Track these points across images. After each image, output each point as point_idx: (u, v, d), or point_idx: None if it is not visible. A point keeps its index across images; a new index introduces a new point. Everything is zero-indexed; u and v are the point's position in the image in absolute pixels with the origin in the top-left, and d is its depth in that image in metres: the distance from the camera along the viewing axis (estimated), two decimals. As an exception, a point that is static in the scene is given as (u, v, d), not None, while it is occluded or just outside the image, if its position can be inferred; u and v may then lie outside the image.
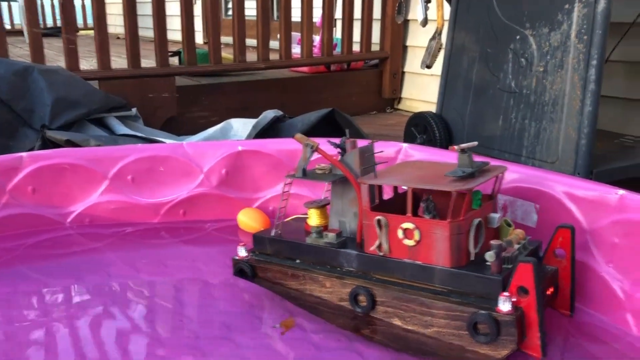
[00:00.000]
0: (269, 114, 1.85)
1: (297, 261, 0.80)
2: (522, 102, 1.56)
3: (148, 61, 2.11)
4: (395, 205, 0.76)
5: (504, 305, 0.63)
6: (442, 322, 0.68)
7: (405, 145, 1.05)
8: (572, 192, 0.84)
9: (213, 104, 2.24)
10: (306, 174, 0.80)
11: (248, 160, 1.13)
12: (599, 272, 0.79)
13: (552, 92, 1.48)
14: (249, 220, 1.08)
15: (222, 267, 0.96)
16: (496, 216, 0.72)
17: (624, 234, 0.77)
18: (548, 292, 0.74)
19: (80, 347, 0.74)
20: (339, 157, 0.79)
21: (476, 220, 0.69)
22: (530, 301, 0.63)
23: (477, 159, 0.74)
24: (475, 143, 0.75)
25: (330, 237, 0.77)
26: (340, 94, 2.53)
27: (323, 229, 0.80)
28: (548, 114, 1.49)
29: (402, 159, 1.04)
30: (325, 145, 0.80)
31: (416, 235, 0.69)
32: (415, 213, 0.71)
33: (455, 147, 0.72)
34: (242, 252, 0.84)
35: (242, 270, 0.84)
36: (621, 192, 0.79)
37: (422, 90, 2.61)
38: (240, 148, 1.12)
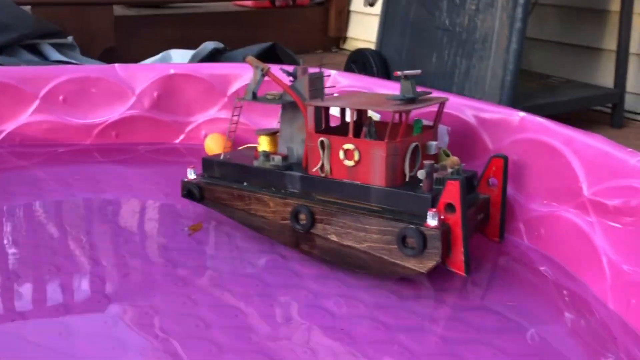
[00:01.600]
0: (209, 45, 1.84)
1: (245, 184, 0.82)
2: (455, 39, 1.61)
3: (85, -12, 2.05)
4: (340, 131, 0.78)
5: (431, 220, 0.66)
6: (375, 237, 0.71)
7: (334, 72, 1.09)
8: (479, 115, 0.90)
9: (153, 36, 2.20)
10: (256, 98, 0.82)
11: (180, 84, 1.14)
12: (499, 187, 0.86)
13: (483, 30, 1.54)
14: (215, 145, 1.09)
15: (155, 185, 0.99)
16: (434, 144, 0.76)
17: (523, 152, 0.84)
18: (478, 218, 0.78)
19: (8, 258, 0.77)
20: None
21: (413, 144, 0.73)
22: (456, 218, 0.67)
23: (420, 89, 0.77)
24: (419, 71, 0.77)
25: (277, 160, 0.80)
26: (285, 31, 2.53)
27: (271, 153, 0.82)
28: (478, 52, 1.55)
29: (330, 85, 1.08)
30: (277, 72, 0.82)
31: (356, 155, 0.72)
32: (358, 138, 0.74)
33: (398, 72, 0.75)
34: (191, 175, 0.86)
35: (190, 191, 0.85)
36: (522, 114, 0.86)
37: (367, 30, 2.63)
38: (172, 71, 1.14)
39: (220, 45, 1.92)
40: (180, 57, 1.84)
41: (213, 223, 0.87)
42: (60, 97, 1.11)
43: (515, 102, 1.49)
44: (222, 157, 0.85)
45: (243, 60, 0.87)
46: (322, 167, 0.75)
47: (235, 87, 1.14)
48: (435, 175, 0.70)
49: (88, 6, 1.96)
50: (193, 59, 1.78)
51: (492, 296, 0.73)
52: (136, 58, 2.05)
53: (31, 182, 1.01)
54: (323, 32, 2.70)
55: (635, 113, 1.77)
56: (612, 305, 0.68)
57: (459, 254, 0.67)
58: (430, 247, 0.67)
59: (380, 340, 0.62)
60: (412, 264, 0.69)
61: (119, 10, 2.14)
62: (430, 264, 0.67)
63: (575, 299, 0.72)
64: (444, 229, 0.67)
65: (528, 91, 1.64)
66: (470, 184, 0.77)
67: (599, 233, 0.72)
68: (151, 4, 2.22)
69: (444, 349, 0.62)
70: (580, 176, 0.75)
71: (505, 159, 0.78)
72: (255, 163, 0.82)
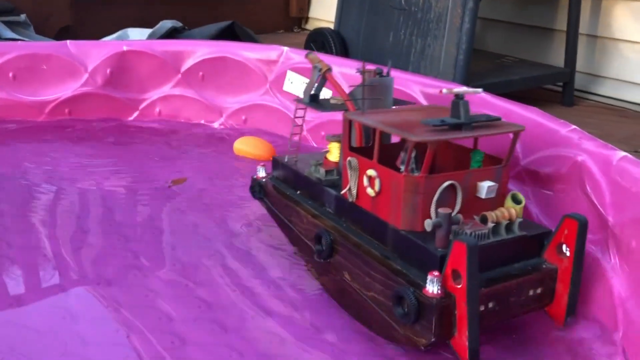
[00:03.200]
0: (166, 24, 1.83)
1: (298, 192, 0.73)
2: (410, 19, 1.64)
3: (38, -35, 2.00)
4: (390, 151, 0.63)
5: (430, 286, 0.52)
6: (378, 288, 0.59)
7: (286, 48, 1.10)
8: (425, 90, 0.93)
9: (110, 15, 2.17)
10: (316, 101, 0.71)
11: (133, 60, 1.14)
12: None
13: (437, 9, 1.57)
14: (246, 147, 1.04)
15: (110, 163, 0.99)
16: (486, 185, 0.58)
17: (465, 126, 0.87)
18: (533, 293, 0.59)
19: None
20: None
21: (447, 182, 0.56)
22: (462, 290, 0.52)
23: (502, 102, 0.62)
24: (479, 90, 0.64)
25: (321, 172, 0.69)
26: (245, 10, 2.52)
27: (324, 163, 0.71)
28: (432, 31, 1.58)
29: (283, 62, 1.10)
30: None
31: (377, 184, 0.59)
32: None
33: (445, 90, 0.59)
34: (260, 173, 0.79)
35: (252, 188, 0.80)
36: (464, 87, 0.89)
37: (329, 10, 2.63)
38: (125, 48, 1.13)
39: (178, 24, 1.91)
40: (138, 36, 1.82)
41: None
42: (10, 74, 1.10)
43: (469, 81, 1.53)
44: (286, 159, 0.75)
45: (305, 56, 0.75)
46: (349, 190, 0.63)
47: (188, 63, 1.14)
48: (454, 228, 0.54)
49: (43, -16, 1.92)
50: (150, 38, 1.77)
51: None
52: (93, 37, 2.02)
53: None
54: (285, 12, 2.70)
55: (585, 92, 1.83)
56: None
57: (464, 338, 0.53)
58: (424, 319, 0.53)
59: None
60: (410, 333, 0.55)
61: (75, -12, 2.10)
62: (423, 340, 0.54)
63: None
64: (445, 301, 0.52)
65: (482, 70, 1.68)
66: (526, 246, 0.59)
67: (533, 201, 0.76)
68: (108, -18, 2.18)
69: None
70: (518, 147, 0.79)
71: (582, 221, 0.58)
72: (306, 171, 0.71)
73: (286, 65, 1.09)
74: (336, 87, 0.69)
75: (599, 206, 0.65)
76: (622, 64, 1.72)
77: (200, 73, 1.14)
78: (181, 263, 0.72)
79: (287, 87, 1.09)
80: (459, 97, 0.58)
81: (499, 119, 0.61)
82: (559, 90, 1.78)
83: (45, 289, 0.66)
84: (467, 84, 1.52)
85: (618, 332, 0.60)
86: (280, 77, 1.10)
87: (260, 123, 1.13)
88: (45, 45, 1.13)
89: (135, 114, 1.16)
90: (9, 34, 1.72)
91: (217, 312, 0.63)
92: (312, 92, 0.71)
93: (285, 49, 1.10)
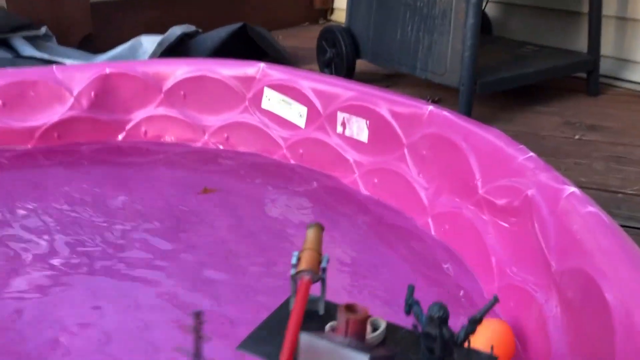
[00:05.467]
0: (176, 31, 1.84)
1: None
2: (417, 14, 1.57)
3: (55, -22, 2.05)
4: None
5: None
6: None
7: (262, 65, 1.08)
8: (393, 108, 0.89)
9: (131, 20, 2.20)
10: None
11: (117, 82, 1.15)
12: (411, 182, 0.86)
13: (441, 4, 1.50)
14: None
15: (96, 183, 1.01)
16: None
17: (430, 146, 0.83)
18: None
19: None
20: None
21: None
22: None
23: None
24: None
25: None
26: (269, 5, 2.49)
27: None
28: (438, 27, 1.51)
29: (260, 78, 1.08)
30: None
31: None
32: None
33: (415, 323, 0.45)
34: None
35: None
36: (430, 107, 0.84)
37: (351, 1, 2.58)
38: (108, 70, 1.14)
39: (190, 28, 1.91)
40: (151, 43, 1.84)
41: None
42: (0, 102, 1.13)
43: (479, 76, 1.46)
44: None
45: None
46: None
47: (169, 83, 1.14)
48: None
49: (61, -4, 1.96)
50: (160, 47, 1.78)
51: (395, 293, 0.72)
52: (115, 43, 2.06)
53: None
54: (309, 4, 2.66)
55: (614, 78, 1.71)
56: (499, 309, 0.68)
57: None
58: None
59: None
60: None
61: (94, -4, 2.14)
62: None
63: (467, 299, 0.72)
64: None
65: (496, 63, 1.60)
66: None
67: (491, 232, 0.71)
68: (125, -11, 2.21)
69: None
70: (476, 173, 0.74)
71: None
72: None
73: (263, 82, 1.07)
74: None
75: (544, 248, 0.60)
76: (650, 49, 1.60)
77: (182, 92, 1.14)
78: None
79: (265, 104, 1.07)
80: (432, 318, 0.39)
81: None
82: (585, 78, 1.67)
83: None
84: (476, 80, 1.45)
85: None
86: (259, 94, 1.08)
87: (242, 142, 1.11)
88: (32, 71, 1.15)
89: (122, 134, 1.17)
90: (29, 50, 1.77)
91: None
92: None
93: (262, 65, 1.07)
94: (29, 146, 1.16)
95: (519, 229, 0.67)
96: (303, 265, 0.39)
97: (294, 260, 0.42)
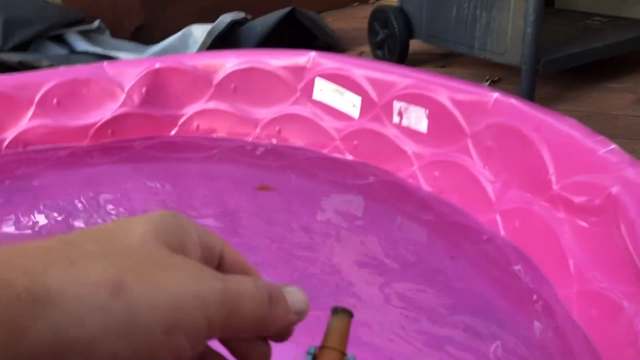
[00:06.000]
0: (226, 18, 1.81)
1: None
2: (474, -10, 1.49)
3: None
4: None
5: None
6: None
7: (313, 53, 1.03)
8: (454, 96, 0.83)
9: (183, 8, 2.20)
10: None
11: (167, 77, 1.13)
12: (476, 176, 0.80)
13: (501, -23, 1.41)
14: None
15: (150, 179, 0.99)
16: None
17: (497, 138, 0.77)
18: None
19: None
20: None
21: None
22: None
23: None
24: None
25: None
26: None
27: None
28: (497, 3, 1.42)
29: (311, 67, 1.03)
30: None
31: None
32: None
33: None
34: None
35: None
36: (496, 95, 0.78)
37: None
38: (158, 65, 1.12)
39: (240, 15, 1.88)
40: (201, 32, 1.82)
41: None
42: (54, 101, 1.13)
43: (543, 54, 1.37)
44: None
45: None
46: None
47: (219, 76, 1.11)
48: None
49: (112, -12, 1.97)
50: (209, 36, 1.76)
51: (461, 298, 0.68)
52: (168, 33, 2.06)
53: (36, 190, 1.05)
54: (360, -18, 2.59)
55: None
56: (576, 315, 0.62)
57: None
58: None
59: None
60: None
61: (144, -13, 2.14)
62: None
63: (542, 304, 0.66)
64: None
65: (561, 39, 1.50)
66: None
67: (568, 232, 0.65)
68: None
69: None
70: (549, 167, 0.68)
71: None
72: None
73: (315, 71, 1.02)
74: None
75: (633, 254, 0.54)
76: None
77: (232, 85, 1.11)
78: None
79: (316, 95, 1.03)
80: None
81: None
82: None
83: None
84: (540, 59, 1.36)
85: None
86: (310, 85, 1.04)
87: (294, 134, 1.08)
88: (84, 69, 1.15)
89: (175, 130, 1.16)
90: (83, 45, 1.78)
91: None
92: None
93: (312, 54, 1.03)
94: (84, 144, 1.16)
95: (602, 230, 0.60)
96: None
97: None
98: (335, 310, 0.29)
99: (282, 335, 0.25)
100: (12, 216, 0.95)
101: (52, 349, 0.17)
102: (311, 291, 0.62)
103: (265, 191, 0.82)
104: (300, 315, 0.25)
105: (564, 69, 1.43)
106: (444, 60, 1.71)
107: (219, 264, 0.25)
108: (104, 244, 0.20)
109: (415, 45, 1.70)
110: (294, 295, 0.25)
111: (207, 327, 0.20)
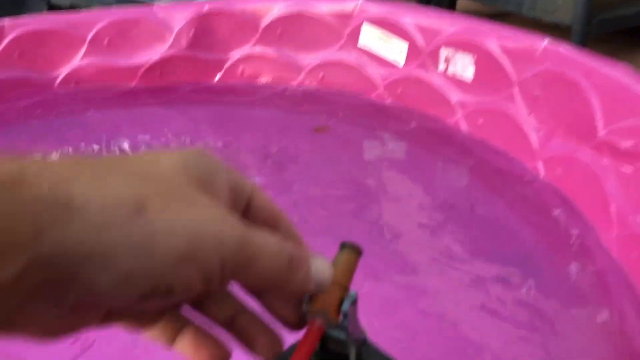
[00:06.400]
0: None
1: None
2: (525, -55, 1.45)
3: None
4: None
5: None
6: None
7: (361, 0, 1.03)
8: (503, 44, 0.82)
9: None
10: None
11: (215, 20, 1.14)
12: (521, 124, 0.80)
13: None
14: None
15: (195, 123, 1.02)
16: None
17: (545, 85, 0.77)
18: None
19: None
20: None
21: None
22: None
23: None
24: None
25: None
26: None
27: None
28: (550, -42, 1.39)
29: (358, 14, 1.03)
30: None
31: None
32: None
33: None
34: None
35: None
36: (545, 42, 0.77)
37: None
38: (206, 8, 1.14)
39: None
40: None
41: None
42: (105, 41, 1.16)
43: (596, 13, 1.33)
44: None
45: None
46: None
47: (266, 21, 1.12)
48: None
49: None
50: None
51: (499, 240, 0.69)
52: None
53: (85, 126, 1.09)
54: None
55: None
56: (616, 257, 0.63)
57: None
58: None
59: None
60: None
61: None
62: None
63: (581, 247, 0.67)
64: None
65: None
66: None
67: (611, 178, 0.65)
68: None
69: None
70: (597, 114, 0.68)
71: None
72: None
73: (361, 17, 1.03)
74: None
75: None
76: None
77: (278, 30, 1.12)
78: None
79: (362, 41, 1.03)
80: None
81: None
82: None
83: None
84: (592, 18, 1.33)
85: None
86: (357, 31, 1.04)
87: (338, 81, 1.08)
88: (134, 11, 1.17)
89: (220, 74, 1.18)
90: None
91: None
92: None
93: (360, 0, 1.03)
94: (132, 84, 1.19)
95: (647, 174, 0.60)
96: (318, 304, 0.25)
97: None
98: (344, 245, 0.28)
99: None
100: (62, 150, 0.99)
101: (70, 256, 0.17)
102: (350, 232, 0.63)
103: (320, 132, 0.83)
104: (321, 287, 0.24)
105: (616, 30, 1.40)
106: (492, 20, 1.69)
107: (247, 209, 0.24)
108: (132, 167, 0.20)
109: (462, 5, 1.67)
110: (319, 266, 0.24)
111: (219, 269, 0.20)
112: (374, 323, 0.36)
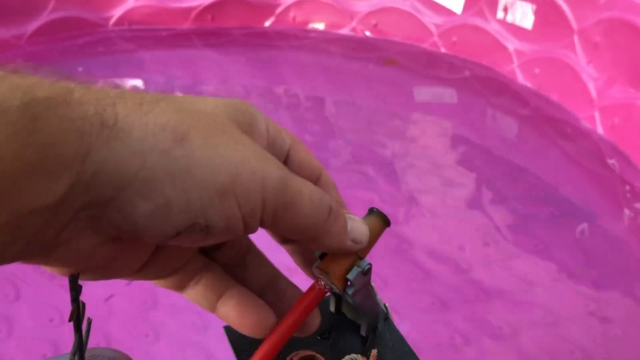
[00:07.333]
0: None
1: None
2: None
3: None
4: None
5: None
6: None
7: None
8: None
9: None
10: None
11: (269, -36, 1.15)
12: (579, 72, 0.80)
13: None
14: None
15: (246, 66, 1.04)
16: None
17: (607, 33, 0.76)
18: None
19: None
20: None
21: None
22: None
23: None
24: None
25: None
26: None
27: None
28: None
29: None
30: None
31: None
32: None
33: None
34: None
35: None
36: (611, -12, 0.76)
37: None
38: (261, -48, 1.14)
39: None
40: None
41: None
42: (160, -18, 1.17)
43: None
44: None
45: None
46: None
47: (321, -34, 1.12)
48: None
49: None
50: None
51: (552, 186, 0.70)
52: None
53: (137, 65, 1.11)
54: None
55: None
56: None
57: None
58: None
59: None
60: None
61: None
62: None
63: (634, 194, 0.67)
64: None
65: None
66: None
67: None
68: None
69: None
70: (662, 60, 0.67)
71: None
72: None
73: None
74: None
75: None
76: None
77: (332, -25, 1.12)
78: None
79: (418, -12, 1.02)
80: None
81: None
82: None
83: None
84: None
85: None
86: (412, -22, 1.03)
87: (391, 28, 1.08)
88: (190, -48, 1.18)
89: (271, 19, 1.19)
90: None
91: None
92: None
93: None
94: (184, 27, 1.20)
95: None
96: (324, 264, 0.24)
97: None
98: (372, 211, 0.26)
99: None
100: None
101: (111, 179, 0.17)
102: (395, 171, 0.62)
103: (390, 65, 0.84)
104: (357, 243, 0.24)
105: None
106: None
107: (286, 163, 0.24)
108: (176, 103, 0.20)
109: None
110: (356, 224, 0.24)
111: (261, 206, 0.20)
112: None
